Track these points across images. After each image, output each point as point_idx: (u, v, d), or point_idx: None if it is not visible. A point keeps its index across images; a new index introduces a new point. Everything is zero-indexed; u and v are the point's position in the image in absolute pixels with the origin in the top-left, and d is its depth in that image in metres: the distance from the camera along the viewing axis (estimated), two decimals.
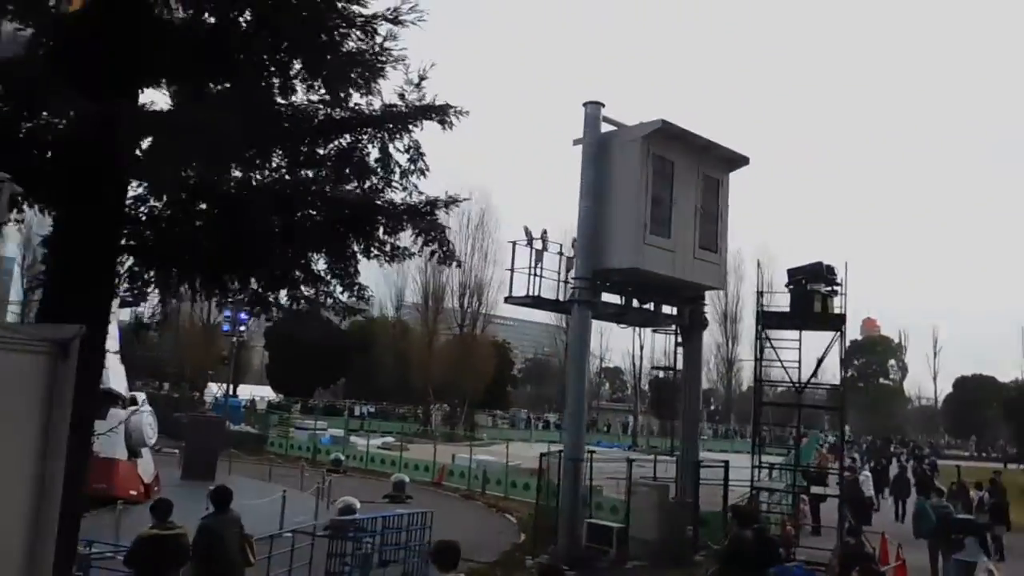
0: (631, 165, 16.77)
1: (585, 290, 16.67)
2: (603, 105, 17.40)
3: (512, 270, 17.62)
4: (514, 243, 17.71)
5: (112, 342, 21.83)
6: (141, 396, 23.72)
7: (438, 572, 6.59)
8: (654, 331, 19.56)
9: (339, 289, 7.00)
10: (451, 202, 6.68)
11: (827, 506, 20.29)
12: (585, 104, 17.41)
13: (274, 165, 6.47)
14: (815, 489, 18.21)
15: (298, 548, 12.23)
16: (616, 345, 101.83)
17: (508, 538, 19.07)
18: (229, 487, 9.54)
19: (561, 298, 17.74)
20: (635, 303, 18.03)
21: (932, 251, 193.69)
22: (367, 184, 6.60)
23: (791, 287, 17.34)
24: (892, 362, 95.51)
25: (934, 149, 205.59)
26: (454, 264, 7.21)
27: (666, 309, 18.87)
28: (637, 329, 18.98)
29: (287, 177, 6.41)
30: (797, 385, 16.81)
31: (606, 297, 17.98)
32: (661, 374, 19.87)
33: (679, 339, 19.02)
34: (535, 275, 17.55)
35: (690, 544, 16.49)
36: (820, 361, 16.68)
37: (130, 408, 21.02)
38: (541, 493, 17.52)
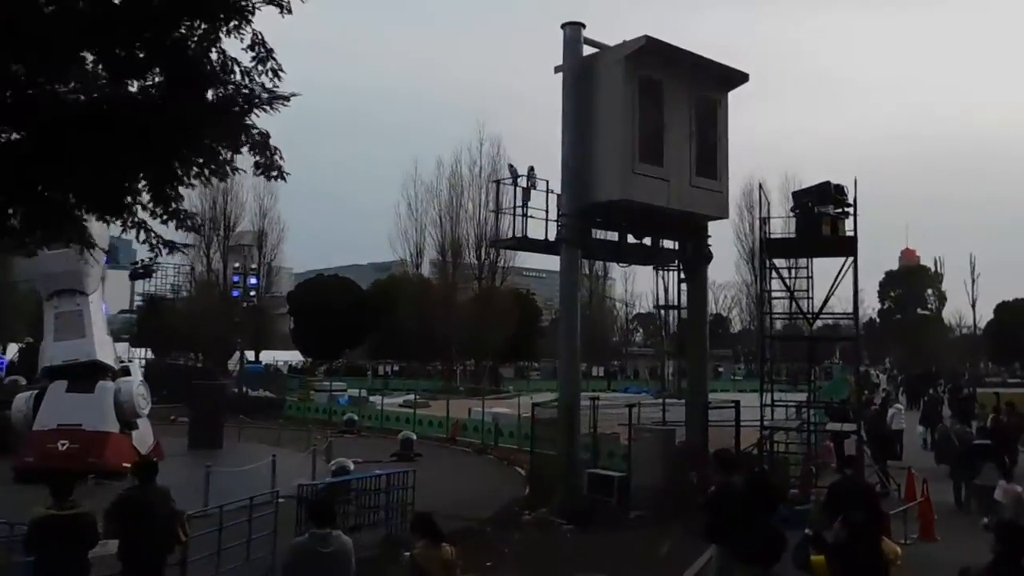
0: (615, 89, 15.49)
1: (572, 228, 15.55)
2: (583, 26, 16.07)
3: (497, 211, 16.55)
4: (498, 182, 16.63)
5: (98, 315, 21.31)
6: (135, 366, 23.14)
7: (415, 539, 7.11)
8: (657, 269, 18.37)
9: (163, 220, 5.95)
10: (275, 98, 5.54)
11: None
12: (564, 26, 16.08)
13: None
14: (831, 425, 17.03)
15: (264, 516, 11.45)
16: (647, 289, 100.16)
17: (513, 492, 18.28)
18: (153, 459, 8.70)
19: (552, 239, 16.62)
20: (630, 239, 16.87)
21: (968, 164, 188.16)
22: (212, 94, 5.52)
23: (797, 211, 16.06)
24: (930, 291, 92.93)
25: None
26: (281, 179, 6.09)
27: (669, 244, 17.75)
28: (661, 269, 17.71)
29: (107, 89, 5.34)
30: (808, 316, 15.56)
31: (600, 235, 16.88)
32: (665, 313, 18.47)
33: (682, 275, 17.88)
34: (522, 216, 16.49)
35: (696, 491, 15.50)
36: (832, 289, 15.37)
37: (121, 379, 20.38)
38: (537, 444, 16.57)
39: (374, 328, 62.70)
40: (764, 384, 16.56)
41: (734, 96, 17.17)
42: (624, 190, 15.16)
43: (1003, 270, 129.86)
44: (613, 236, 16.79)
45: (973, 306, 62.98)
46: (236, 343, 60.89)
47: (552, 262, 17.31)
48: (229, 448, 25.12)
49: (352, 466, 17.65)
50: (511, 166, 16.89)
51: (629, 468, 15.58)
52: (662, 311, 17.59)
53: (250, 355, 66.13)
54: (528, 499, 16.29)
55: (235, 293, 51.45)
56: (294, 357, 70.88)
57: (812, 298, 16.36)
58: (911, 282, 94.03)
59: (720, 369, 70.31)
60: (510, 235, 17.15)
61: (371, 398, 43.48)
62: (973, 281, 60.86)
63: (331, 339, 64.04)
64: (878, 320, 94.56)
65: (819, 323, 18.10)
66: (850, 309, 15.69)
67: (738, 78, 17.07)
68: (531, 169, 17.09)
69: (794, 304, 16.03)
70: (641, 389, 51.78)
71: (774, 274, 16.59)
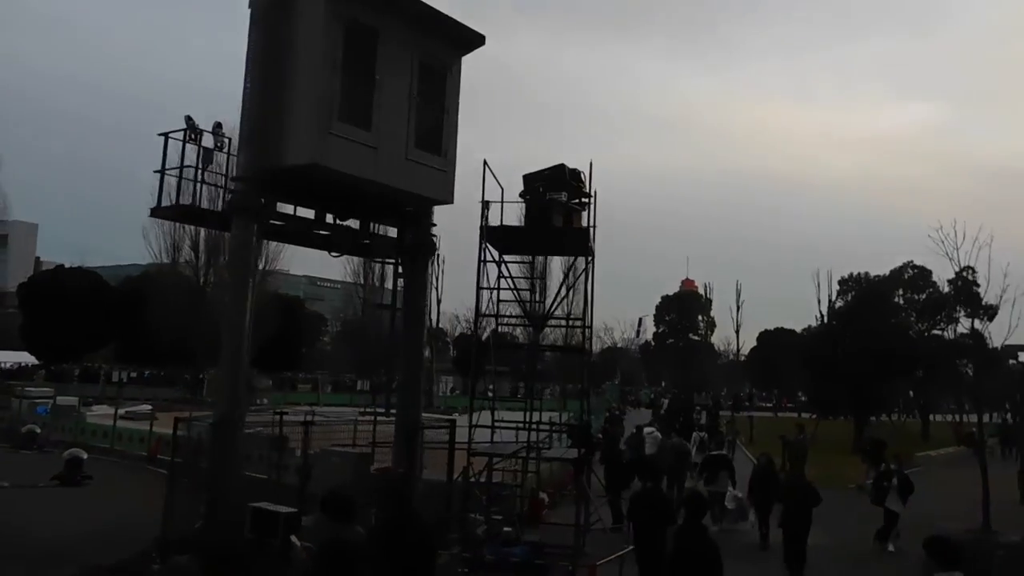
0: (314, 28, 12.42)
1: (247, 195, 12.28)
2: None
3: (162, 172, 12.93)
4: (166, 135, 13.00)
5: None
6: None
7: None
8: (374, 262, 15.45)
9: None
10: None
11: None
12: None
13: None
14: (547, 453, 14.71)
15: None
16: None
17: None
18: None
19: None
20: (332, 219, 13.84)
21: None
22: None
23: (527, 197, 13.69)
24: (700, 317, 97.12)
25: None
26: None
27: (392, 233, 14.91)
28: (377, 262, 14.67)
29: None
30: (531, 320, 13.16)
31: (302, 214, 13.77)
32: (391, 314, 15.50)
33: (399, 269, 15.08)
34: (195, 180, 13.05)
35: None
36: (561, 291, 13.03)
37: None
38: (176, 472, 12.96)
39: (120, 328, 55.88)
40: (476, 400, 13.96)
41: None
42: (316, 153, 12.07)
43: (767, 304, 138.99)
44: (310, 215, 13.70)
45: (737, 332, 65.24)
46: None
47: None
48: None
49: None
50: (188, 117, 13.36)
51: (302, 500, 12.44)
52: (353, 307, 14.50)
53: None
54: (166, 541, 12.71)
55: None
56: (24, 358, 62.15)
57: (543, 301, 14.07)
58: (683, 307, 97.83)
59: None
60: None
61: (96, 408, 37.89)
62: (738, 308, 62.91)
63: (68, 340, 56.46)
64: (653, 343, 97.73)
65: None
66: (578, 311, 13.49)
67: (474, 40, 14.54)
68: (218, 125, 13.73)
69: (519, 307, 13.59)
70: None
71: (504, 271, 14.12)
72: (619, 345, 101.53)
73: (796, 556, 12.20)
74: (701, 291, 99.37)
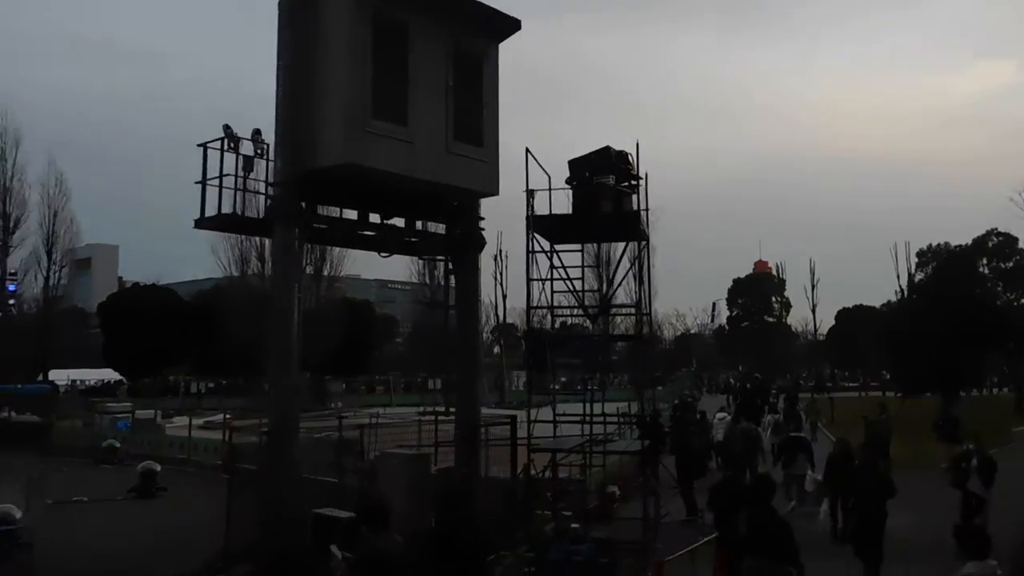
0: (342, 25, 12.19)
1: (287, 201, 12.12)
2: None
3: (203, 183, 12.87)
4: (204, 145, 12.94)
5: None
6: None
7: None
8: (423, 259, 15.19)
9: None
10: None
11: None
12: None
13: None
14: (611, 446, 14.19)
15: None
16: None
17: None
18: None
19: None
20: (376, 219, 13.60)
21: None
22: None
23: (574, 183, 13.21)
24: (775, 298, 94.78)
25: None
26: None
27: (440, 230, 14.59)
28: (427, 259, 14.49)
29: None
30: (585, 310, 12.71)
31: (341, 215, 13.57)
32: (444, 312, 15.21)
33: (449, 266, 14.80)
34: (235, 189, 12.95)
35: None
36: (615, 279, 12.51)
37: None
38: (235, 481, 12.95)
39: (197, 342, 57.22)
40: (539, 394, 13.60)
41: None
42: (351, 152, 11.84)
43: (844, 281, 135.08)
44: (353, 216, 13.49)
45: (813, 311, 63.43)
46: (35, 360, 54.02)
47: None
48: None
49: (18, 514, 13.65)
50: (226, 126, 13.29)
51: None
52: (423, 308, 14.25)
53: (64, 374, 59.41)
54: (229, 551, 12.70)
55: None
56: (109, 375, 64.28)
57: (608, 290, 13.59)
58: (757, 289, 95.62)
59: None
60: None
61: (176, 419, 38.83)
62: (813, 287, 61.11)
63: (147, 355, 58.09)
64: (727, 327, 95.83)
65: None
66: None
67: (510, 26, 14.12)
68: (257, 132, 13.61)
69: (574, 297, 13.13)
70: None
71: (556, 261, 13.68)
72: (693, 331, 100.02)
73: (870, 551, 11.35)
74: (774, 272, 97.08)
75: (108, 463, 25.93)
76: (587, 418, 13.22)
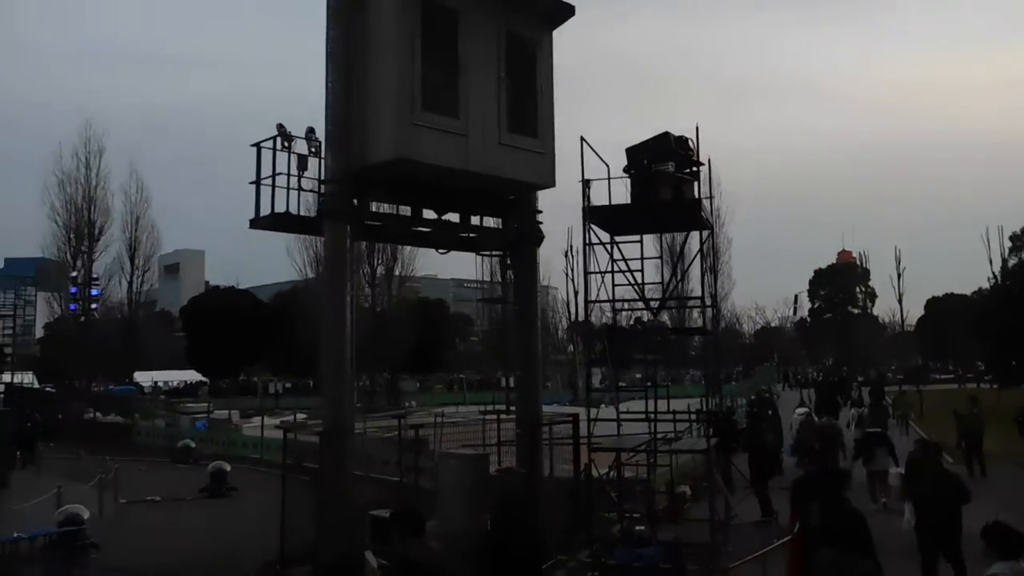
0: (389, 17, 11.94)
1: (337, 197, 11.93)
2: None
3: (257, 182, 12.80)
4: (258, 145, 12.87)
5: None
6: None
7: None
8: (480, 255, 14.91)
9: None
10: None
11: None
12: None
13: None
14: (678, 445, 13.55)
15: None
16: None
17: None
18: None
19: None
20: (431, 215, 13.32)
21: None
22: None
23: (632, 172, 12.68)
24: (859, 288, 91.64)
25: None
26: None
27: (493, 224, 14.24)
28: (483, 254, 14.33)
29: None
30: (646, 304, 12.17)
31: (397, 212, 13.34)
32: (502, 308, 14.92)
33: (508, 260, 14.45)
34: (289, 188, 12.82)
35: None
36: (676, 269, 11.96)
37: None
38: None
39: (272, 342, 58.34)
40: (587, 388, 13.11)
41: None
42: (401, 146, 11.57)
43: (933, 269, 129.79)
44: (407, 212, 13.23)
45: (900, 301, 60.71)
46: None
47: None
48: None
49: (87, 515, 13.91)
50: (280, 125, 13.20)
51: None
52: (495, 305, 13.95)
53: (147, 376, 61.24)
54: (287, 552, 12.61)
55: (72, 307, 46.71)
56: (192, 376, 66.18)
57: (682, 282, 13.02)
58: (839, 280, 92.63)
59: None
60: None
61: (254, 419, 39.54)
62: (899, 276, 58.51)
63: (227, 356, 59.56)
64: (809, 320, 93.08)
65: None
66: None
67: (563, 12, 13.67)
68: (310, 130, 13.49)
69: (633, 290, 12.59)
70: (553, 398, 48.36)
71: (615, 253, 13.17)
72: (773, 324, 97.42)
73: (952, 562, 10.30)
74: (857, 262, 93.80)
75: (184, 463, 26.45)
76: (651, 415, 12.64)
